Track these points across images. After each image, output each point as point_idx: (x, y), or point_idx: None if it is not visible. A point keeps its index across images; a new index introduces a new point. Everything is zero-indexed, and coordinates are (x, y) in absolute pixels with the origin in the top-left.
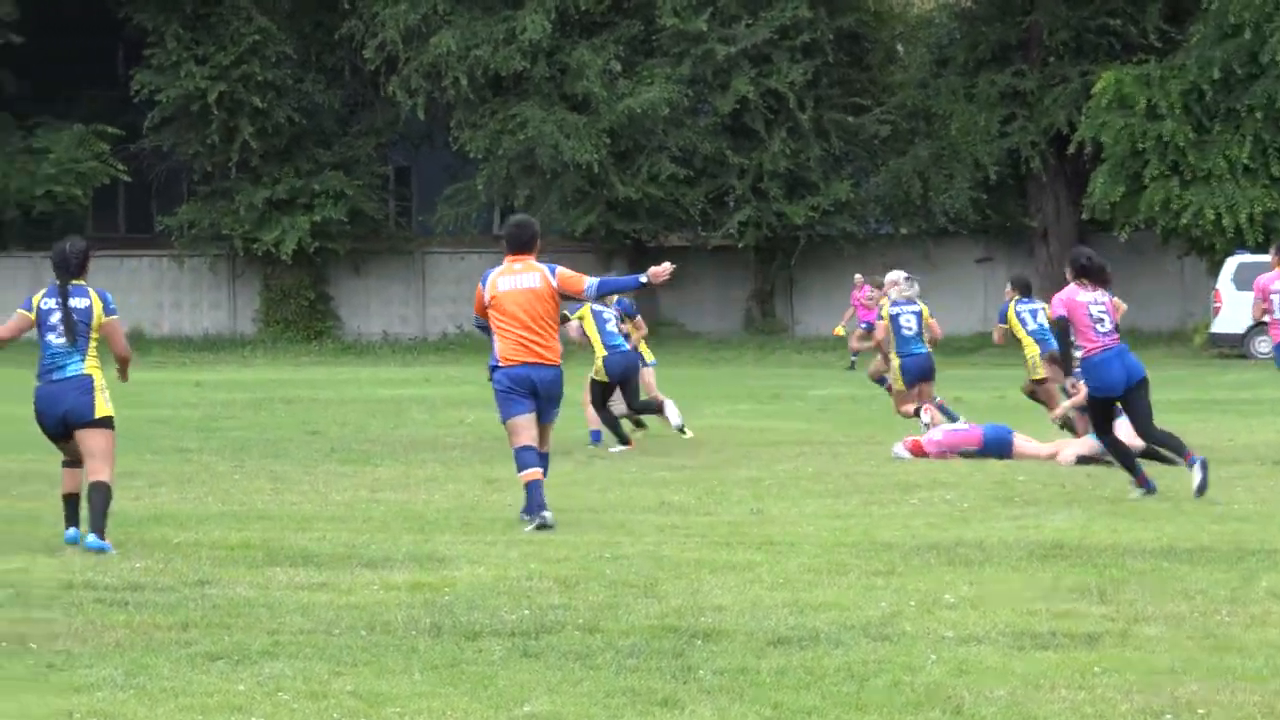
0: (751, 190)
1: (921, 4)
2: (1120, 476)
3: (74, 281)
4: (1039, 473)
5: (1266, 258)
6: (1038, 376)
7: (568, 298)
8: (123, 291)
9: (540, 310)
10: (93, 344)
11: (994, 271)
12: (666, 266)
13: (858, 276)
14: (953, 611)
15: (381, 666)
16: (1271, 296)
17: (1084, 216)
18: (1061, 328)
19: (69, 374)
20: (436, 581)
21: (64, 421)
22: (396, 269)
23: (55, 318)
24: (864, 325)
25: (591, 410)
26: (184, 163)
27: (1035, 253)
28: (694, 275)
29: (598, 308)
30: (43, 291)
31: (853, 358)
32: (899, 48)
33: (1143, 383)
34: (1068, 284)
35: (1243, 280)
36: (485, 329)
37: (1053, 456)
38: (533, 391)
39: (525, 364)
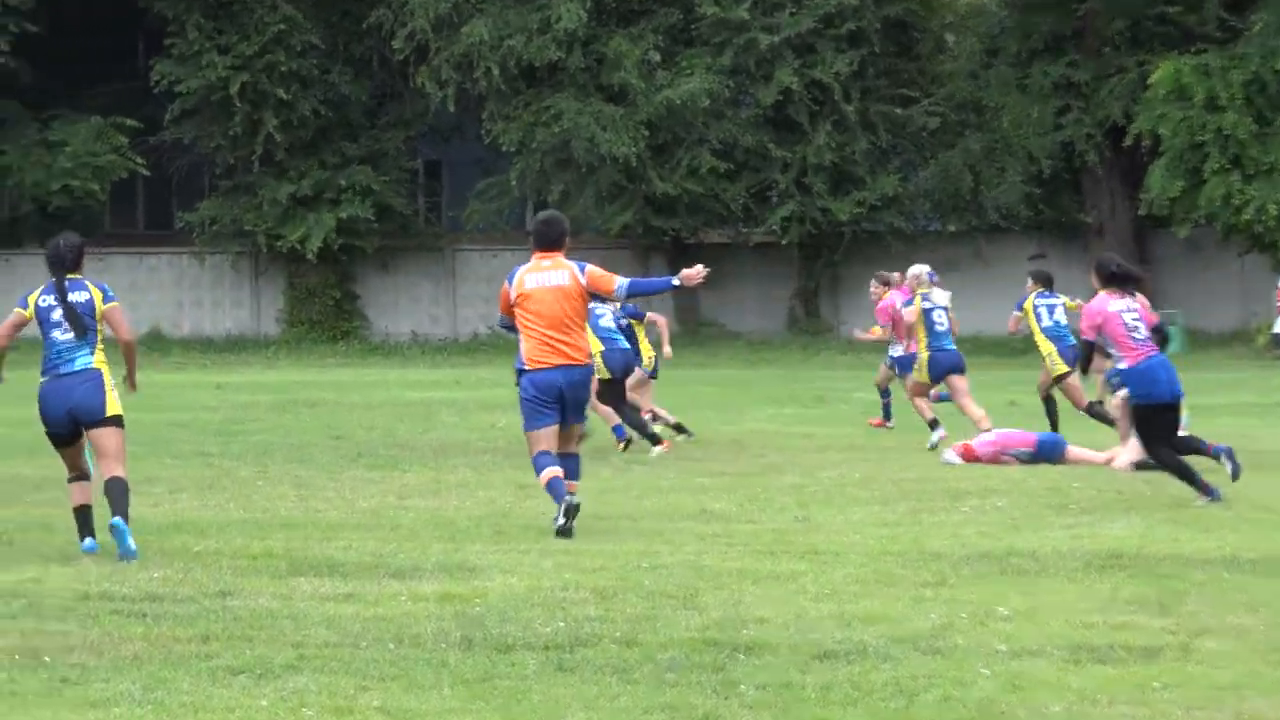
0: (795, 185)
1: None
2: (1179, 482)
3: (70, 276)
4: (1095, 479)
5: None
6: (1058, 372)
7: (597, 297)
8: (141, 290)
9: (569, 309)
10: (100, 337)
11: (1048, 269)
12: (700, 269)
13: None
14: (1006, 624)
15: (410, 681)
16: None
17: (1141, 212)
18: (1090, 339)
19: (77, 367)
20: (467, 592)
21: (71, 416)
22: (426, 267)
23: (57, 314)
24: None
25: (603, 407)
26: (205, 156)
27: (1090, 250)
28: (735, 274)
29: (590, 304)
30: (39, 290)
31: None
32: (948, 37)
33: (1178, 401)
34: (1096, 293)
35: None
36: (511, 328)
37: (1108, 464)
38: (560, 398)
39: (552, 367)
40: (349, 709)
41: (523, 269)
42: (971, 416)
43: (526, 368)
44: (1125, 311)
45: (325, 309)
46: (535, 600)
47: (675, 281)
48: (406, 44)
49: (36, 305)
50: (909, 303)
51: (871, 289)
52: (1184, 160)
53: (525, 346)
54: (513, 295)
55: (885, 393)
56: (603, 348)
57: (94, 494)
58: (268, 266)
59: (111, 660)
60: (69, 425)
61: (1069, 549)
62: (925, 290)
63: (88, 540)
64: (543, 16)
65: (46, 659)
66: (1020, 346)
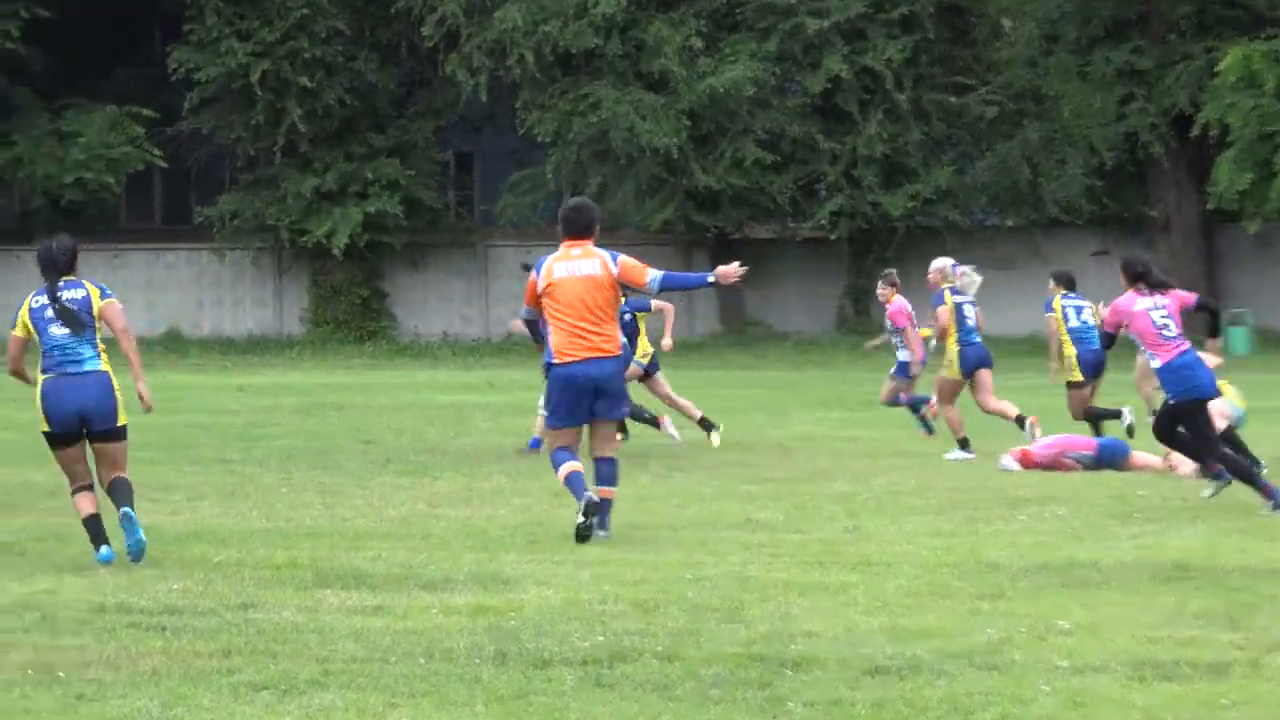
0: (844, 177)
1: None
2: (1247, 489)
3: (65, 278)
4: (1159, 486)
5: None
6: (1074, 379)
7: (629, 289)
8: (159, 288)
9: (599, 299)
10: (99, 336)
11: (1111, 266)
12: (736, 266)
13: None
14: (1067, 639)
15: (442, 698)
16: None
17: (1209, 206)
18: (1110, 332)
19: (86, 368)
20: (501, 605)
21: (81, 417)
22: (457, 263)
23: (50, 312)
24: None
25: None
26: (225, 148)
27: (1155, 245)
28: (781, 271)
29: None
30: (29, 297)
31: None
32: (1005, 22)
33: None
34: (1124, 291)
35: None
36: (532, 324)
37: (1171, 469)
38: (590, 391)
39: (582, 360)
40: None
41: (551, 258)
42: (995, 412)
43: (555, 362)
44: (1153, 310)
45: (351, 308)
46: (572, 613)
47: (710, 278)
48: (436, 30)
49: (30, 310)
50: (939, 300)
51: (879, 290)
52: (1254, 151)
53: (554, 339)
54: (540, 285)
55: (896, 400)
56: None
57: (98, 500)
58: (291, 263)
59: (129, 675)
60: (76, 425)
61: (1133, 560)
62: (952, 284)
63: (103, 549)
64: (579, 1)
65: (61, 674)
66: None
